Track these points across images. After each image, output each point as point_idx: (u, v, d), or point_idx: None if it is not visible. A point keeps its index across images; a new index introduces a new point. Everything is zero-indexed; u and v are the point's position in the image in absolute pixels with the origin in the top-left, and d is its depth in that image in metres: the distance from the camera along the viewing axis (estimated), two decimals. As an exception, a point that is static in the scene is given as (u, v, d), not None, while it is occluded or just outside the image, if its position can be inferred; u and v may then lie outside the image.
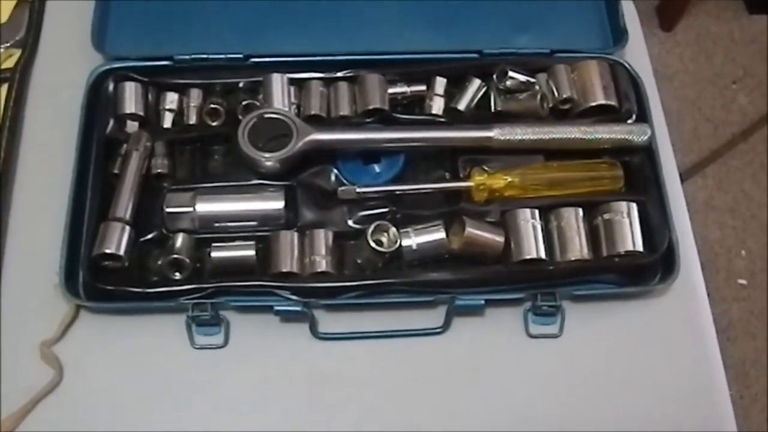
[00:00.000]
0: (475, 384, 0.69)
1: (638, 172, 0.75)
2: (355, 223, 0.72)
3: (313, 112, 0.75)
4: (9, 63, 0.80)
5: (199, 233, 0.70)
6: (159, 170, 0.72)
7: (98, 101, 0.75)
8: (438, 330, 0.70)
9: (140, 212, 0.70)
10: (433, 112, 0.77)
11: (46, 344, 0.68)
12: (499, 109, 0.78)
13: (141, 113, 0.75)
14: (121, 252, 0.67)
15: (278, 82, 0.75)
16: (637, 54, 0.83)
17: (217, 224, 0.70)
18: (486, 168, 0.73)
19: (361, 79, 0.77)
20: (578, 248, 0.70)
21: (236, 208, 0.70)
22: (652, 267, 0.72)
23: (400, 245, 0.69)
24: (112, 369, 0.68)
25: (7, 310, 0.69)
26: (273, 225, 0.71)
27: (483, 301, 0.69)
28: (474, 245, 0.69)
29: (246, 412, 0.67)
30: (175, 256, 0.68)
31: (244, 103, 0.75)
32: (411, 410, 0.68)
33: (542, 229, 0.71)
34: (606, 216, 0.71)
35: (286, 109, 0.74)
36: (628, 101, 0.77)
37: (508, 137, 0.73)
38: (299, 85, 0.77)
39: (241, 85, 0.77)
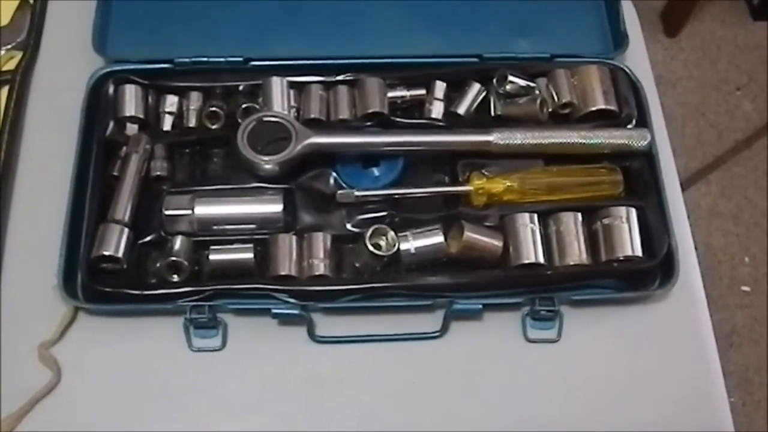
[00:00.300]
0: (473, 388, 0.69)
1: (638, 177, 0.75)
2: (353, 226, 0.72)
3: (312, 116, 0.76)
4: (10, 65, 0.81)
5: (197, 236, 0.70)
6: (158, 173, 0.73)
7: (98, 104, 0.76)
8: (436, 334, 0.70)
9: (139, 214, 0.71)
10: (433, 116, 0.77)
11: (44, 345, 0.68)
12: (498, 113, 0.78)
13: (141, 116, 0.75)
14: (120, 254, 0.68)
15: (278, 85, 0.75)
16: (637, 59, 0.83)
17: (215, 227, 0.70)
18: (485, 172, 0.73)
19: (361, 83, 0.77)
20: (577, 253, 0.70)
21: (235, 211, 0.71)
22: (651, 272, 0.72)
23: (399, 249, 0.69)
24: (110, 371, 0.68)
25: (6, 312, 0.70)
26: (271, 228, 0.71)
27: (481, 306, 0.69)
28: (472, 249, 0.69)
29: (243, 414, 0.67)
30: (174, 258, 0.68)
31: (243, 106, 0.75)
32: (408, 414, 0.68)
33: (541, 234, 0.71)
34: (605, 221, 0.71)
35: (286, 112, 0.74)
36: (628, 106, 0.77)
37: (507, 141, 0.73)
38: (299, 88, 0.77)
39: (240, 88, 0.77)
